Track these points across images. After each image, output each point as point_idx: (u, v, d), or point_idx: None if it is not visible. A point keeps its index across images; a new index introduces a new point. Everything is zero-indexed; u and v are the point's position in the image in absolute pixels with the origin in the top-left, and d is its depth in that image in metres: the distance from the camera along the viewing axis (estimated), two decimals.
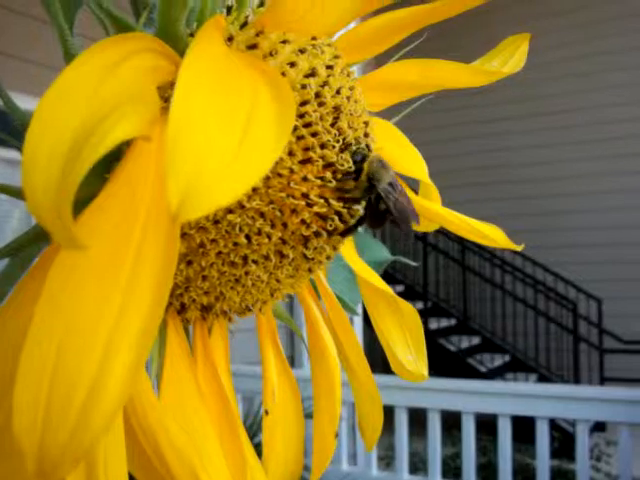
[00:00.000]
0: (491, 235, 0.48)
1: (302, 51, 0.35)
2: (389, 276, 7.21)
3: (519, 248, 0.49)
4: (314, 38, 0.37)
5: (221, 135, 0.21)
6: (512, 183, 7.99)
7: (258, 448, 0.41)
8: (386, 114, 0.48)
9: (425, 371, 0.48)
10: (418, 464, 5.33)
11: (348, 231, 0.39)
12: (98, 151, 0.21)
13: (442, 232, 7.68)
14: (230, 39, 0.34)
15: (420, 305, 7.30)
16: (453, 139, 8.13)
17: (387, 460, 5.40)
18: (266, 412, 0.43)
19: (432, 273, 7.79)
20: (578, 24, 7.66)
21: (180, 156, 0.20)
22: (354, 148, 0.37)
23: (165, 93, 0.32)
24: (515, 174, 7.98)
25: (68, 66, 0.24)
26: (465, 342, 7.30)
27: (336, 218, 0.37)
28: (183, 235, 0.34)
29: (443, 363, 6.83)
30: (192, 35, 0.34)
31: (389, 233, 7.60)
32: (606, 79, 7.55)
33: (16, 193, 0.33)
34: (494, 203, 7.72)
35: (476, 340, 7.54)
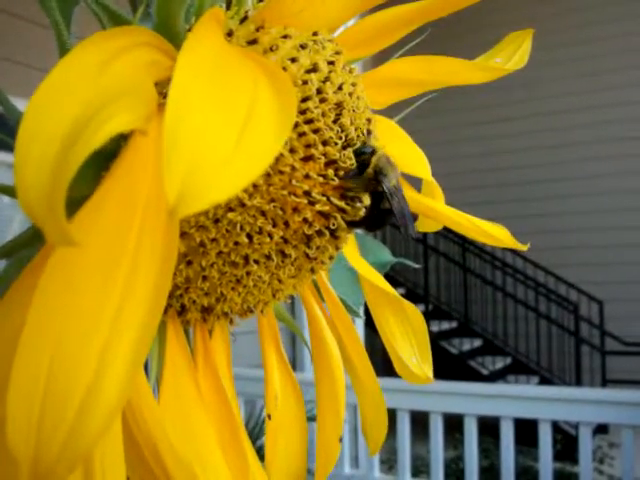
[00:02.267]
0: (496, 234, 0.47)
1: (303, 46, 0.35)
2: (389, 278, 7.17)
3: (524, 247, 0.48)
4: (315, 34, 0.36)
5: (220, 128, 0.21)
6: (513, 185, 7.97)
7: (260, 452, 0.41)
8: (387, 113, 0.47)
9: (430, 373, 0.47)
10: (420, 467, 5.32)
11: (354, 224, 0.38)
12: (92, 144, 0.20)
13: (442, 234, 7.68)
14: (230, 34, 0.33)
15: (421, 308, 7.29)
16: (453, 141, 8.12)
17: (389, 463, 5.39)
18: (268, 417, 0.42)
19: (433, 275, 7.78)
20: (582, 24, 7.65)
21: (177, 150, 0.19)
22: (363, 140, 0.37)
23: (163, 89, 0.31)
24: (516, 176, 7.96)
25: (62, 59, 0.23)
26: (466, 345, 7.29)
27: (338, 216, 0.36)
28: (183, 234, 0.33)
29: (444, 366, 6.81)
30: (190, 30, 0.33)
31: (389, 235, 7.60)
32: (609, 80, 7.54)
33: (12, 192, 0.32)
34: (495, 205, 7.70)
35: (477, 343, 7.52)
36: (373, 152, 0.37)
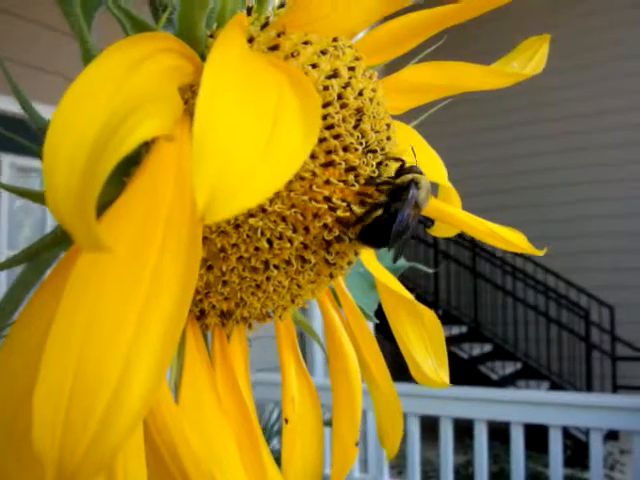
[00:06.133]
0: (513, 240, 0.47)
1: (324, 52, 0.35)
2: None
3: (541, 253, 0.48)
4: (335, 40, 0.36)
5: (248, 136, 0.21)
6: (523, 190, 7.95)
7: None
8: (404, 118, 0.47)
9: (446, 378, 0.47)
10: (430, 472, 5.31)
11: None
12: (122, 150, 0.20)
13: (453, 239, 7.66)
14: (251, 40, 0.34)
15: None
16: (465, 147, 8.10)
17: (399, 468, 5.37)
18: (286, 421, 0.42)
19: (443, 280, 7.76)
20: (600, 27, 7.62)
21: (207, 157, 0.19)
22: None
23: (185, 95, 0.31)
24: (526, 181, 7.94)
25: (88, 65, 0.23)
26: (476, 349, 7.27)
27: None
28: (204, 239, 0.33)
29: (454, 371, 6.72)
30: (212, 36, 0.34)
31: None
32: (622, 85, 7.50)
33: (36, 197, 0.32)
34: (505, 211, 7.68)
35: (488, 347, 7.50)
36: (421, 173, 0.37)
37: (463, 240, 7.68)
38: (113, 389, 0.23)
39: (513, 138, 8.03)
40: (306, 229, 0.34)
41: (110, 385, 0.23)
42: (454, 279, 7.80)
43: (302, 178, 0.33)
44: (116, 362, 0.24)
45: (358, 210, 0.36)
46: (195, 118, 0.20)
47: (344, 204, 0.35)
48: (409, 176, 0.37)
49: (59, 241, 0.33)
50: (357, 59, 0.37)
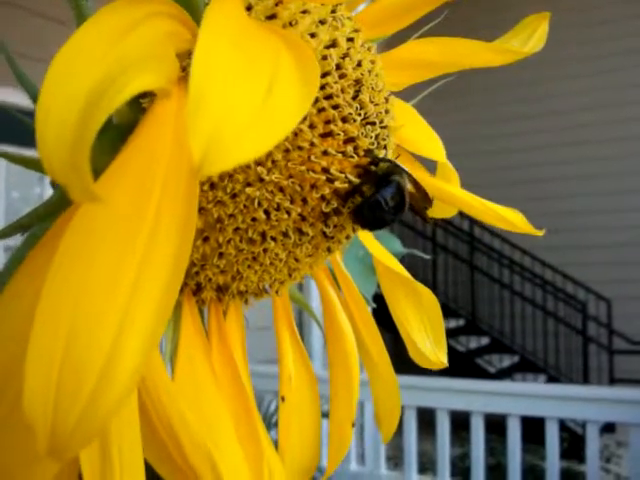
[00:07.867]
0: (511, 219, 0.46)
1: (322, 22, 0.34)
2: None
3: (540, 233, 0.47)
4: (334, 11, 0.36)
5: (246, 89, 0.20)
6: (521, 184, 7.94)
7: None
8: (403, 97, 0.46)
9: (444, 358, 0.47)
10: (426, 464, 5.31)
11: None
12: (116, 101, 0.20)
13: (451, 232, 7.66)
14: (249, 9, 0.33)
15: None
16: (461, 139, 8.08)
17: (395, 460, 5.38)
18: (282, 399, 0.42)
19: (441, 273, 7.76)
20: (598, 21, 7.60)
21: (203, 108, 0.19)
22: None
23: (183, 62, 0.31)
24: (524, 175, 7.93)
25: (85, 22, 0.23)
26: (474, 342, 7.28)
27: (357, 195, 0.36)
28: (200, 210, 0.32)
29: (452, 363, 6.73)
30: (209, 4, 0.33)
31: (397, 232, 7.58)
32: (625, 77, 7.48)
33: (31, 164, 0.32)
34: (502, 203, 7.65)
35: (485, 341, 7.51)
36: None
37: (461, 233, 7.68)
38: (106, 354, 0.23)
39: (512, 132, 8.03)
40: (304, 200, 0.34)
41: (103, 349, 0.23)
42: (452, 272, 7.80)
43: (300, 148, 0.33)
44: (109, 328, 0.23)
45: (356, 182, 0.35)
46: (192, 69, 0.20)
47: (342, 176, 0.34)
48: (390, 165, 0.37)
49: (53, 212, 0.33)
50: (356, 31, 0.37)
